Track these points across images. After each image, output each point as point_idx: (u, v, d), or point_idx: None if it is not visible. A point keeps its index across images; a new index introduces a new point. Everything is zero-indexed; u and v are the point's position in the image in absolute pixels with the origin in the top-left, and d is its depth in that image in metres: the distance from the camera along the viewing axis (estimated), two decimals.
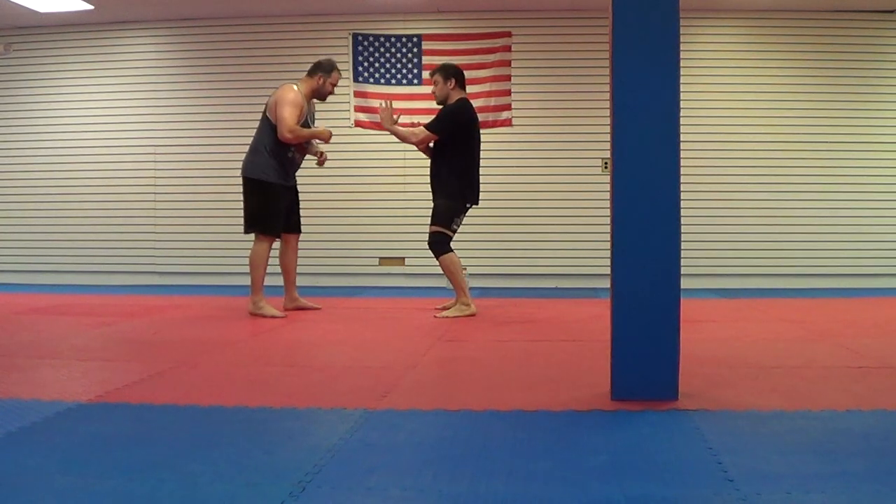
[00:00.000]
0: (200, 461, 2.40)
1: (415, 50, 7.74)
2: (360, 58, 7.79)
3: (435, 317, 5.51)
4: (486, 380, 3.58)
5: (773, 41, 7.62)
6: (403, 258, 7.83)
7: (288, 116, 5.42)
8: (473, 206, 5.69)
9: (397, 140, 5.90)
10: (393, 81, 7.77)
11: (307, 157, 5.86)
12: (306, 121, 5.64)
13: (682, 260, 3.08)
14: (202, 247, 7.99)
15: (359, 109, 7.83)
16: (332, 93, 5.72)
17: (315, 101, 5.76)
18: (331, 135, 5.68)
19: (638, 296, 3.05)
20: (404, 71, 7.78)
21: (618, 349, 3.09)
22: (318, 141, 5.79)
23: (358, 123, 7.84)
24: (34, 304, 6.31)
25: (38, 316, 5.64)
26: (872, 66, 7.57)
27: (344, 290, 7.43)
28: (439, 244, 5.55)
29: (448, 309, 5.63)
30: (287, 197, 5.70)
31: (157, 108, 8.06)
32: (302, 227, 5.93)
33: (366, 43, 7.79)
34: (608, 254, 3.15)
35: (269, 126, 5.55)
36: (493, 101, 7.65)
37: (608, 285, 3.27)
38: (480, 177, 5.69)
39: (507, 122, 7.70)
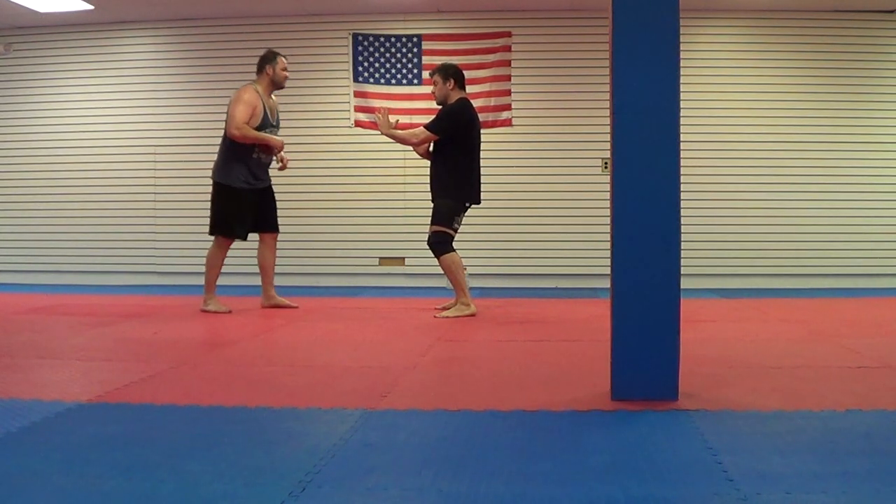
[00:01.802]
0: (200, 461, 2.39)
1: (415, 50, 7.74)
2: (360, 58, 7.79)
3: (435, 316, 5.50)
4: (486, 380, 3.58)
5: (773, 41, 7.63)
6: (403, 258, 7.83)
7: (237, 114, 5.42)
8: (475, 206, 5.69)
9: (396, 141, 5.89)
10: (393, 81, 7.77)
11: (272, 158, 5.82)
12: (266, 119, 5.59)
13: (682, 260, 3.08)
14: (202, 247, 7.93)
15: (359, 109, 7.82)
16: (286, 77, 5.71)
17: (275, 95, 5.76)
18: (282, 145, 5.66)
19: (638, 296, 3.05)
20: (404, 71, 7.78)
21: (618, 349, 3.09)
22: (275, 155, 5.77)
23: (358, 123, 7.84)
24: (34, 304, 6.31)
25: (38, 316, 5.64)
26: (872, 66, 7.57)
27: (344, 290, 7.42)
28: (440, 244, 5.54)
29: (448, 309, 5.63)
30: (254, 199, 5.69)
31: (157, 108, 8.07)
32: (279, 227, 5.93)
33: (366, 43, 7.79)
34: (608, 254, 3.14)
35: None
36: (493, 101, 7.65)
37: (608, 285, 3.27)
38: (481, 176, 5.70)
39: (507, 122, 7.70)
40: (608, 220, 3.19)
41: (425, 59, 7.66)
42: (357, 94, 7.81)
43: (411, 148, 5.89)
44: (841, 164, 7.60)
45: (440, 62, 6.13)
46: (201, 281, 7.81)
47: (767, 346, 4.37)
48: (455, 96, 5.59)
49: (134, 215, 8.10)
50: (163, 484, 2.19)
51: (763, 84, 7.61)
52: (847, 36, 7.57)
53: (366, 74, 7.80)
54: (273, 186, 5.90)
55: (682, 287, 3.07)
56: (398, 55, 7.76)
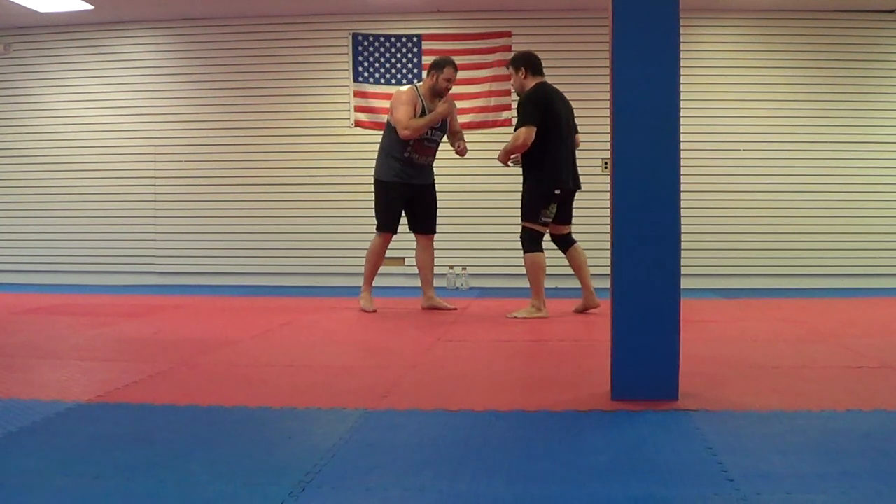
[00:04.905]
0: (200, 461, 2.39)
1: (415, 50, 7.74)
2: (360, 58, 7.79)
3: (506, 317, 5.49)
4: (486, 380, 3.58)
5: (773, 41, 7.63)
6: (403, 258, 7.82)
7: (400, 116, 5.53)
8: (568, 190, 5.52)
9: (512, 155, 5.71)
10: (393, 81, 7.77)
11: (430, 160, 5.82)
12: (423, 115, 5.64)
13: (682, 260, 3.08)
14: (202, 247, 7.98)
15: (359, 109, 7.83)
16: (447, 88, 5.69)
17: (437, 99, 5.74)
18: (449, 106, 5.62)
19: (638, 296, 3.05)
20: (404, 71, 7.78)
21: (618, 349, 3.08)
22: (455, 140, 5.80)
23: (358, 123, 7.84)
24: (34, 304, 6.31)
25: (38, 316, 5.64)
26: (872, 66, 7.57)
27: (344, 290, 7.42)
28: (527, 241, 5.50)
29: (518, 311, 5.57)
30: (407, 195, 5.72)
31: (157, 108, 8.06)
32: (435, 228, 5.92)
33: (366, 43, 7.80)
34: (608, 254, 3.14)
35: (388, 129, 5.70)
36: (492, 101, 7.65)
37: (608, 285, 3.27)
38: (575, 160, 5.57)
39: (508, 122, 7.68)
40: (608, 220, 3.19)
41: (425, 59, 7.66)
42: (357, 94, 7.81)
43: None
44: (841, 164, 7.60)
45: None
46: (201, 281, 7.86)
47: (767, 346, 4.37)
48: (531, 83, 5.45)
49: (134, 215, 8.10)
50: (163, 484, 2.19)
51: (763, 84, 7.61)
52: (847, 36, 7.57)
53: (366, 74, 7.80)
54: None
55: (682, 287, 3.07)
56: (398, 55, 7.76)
